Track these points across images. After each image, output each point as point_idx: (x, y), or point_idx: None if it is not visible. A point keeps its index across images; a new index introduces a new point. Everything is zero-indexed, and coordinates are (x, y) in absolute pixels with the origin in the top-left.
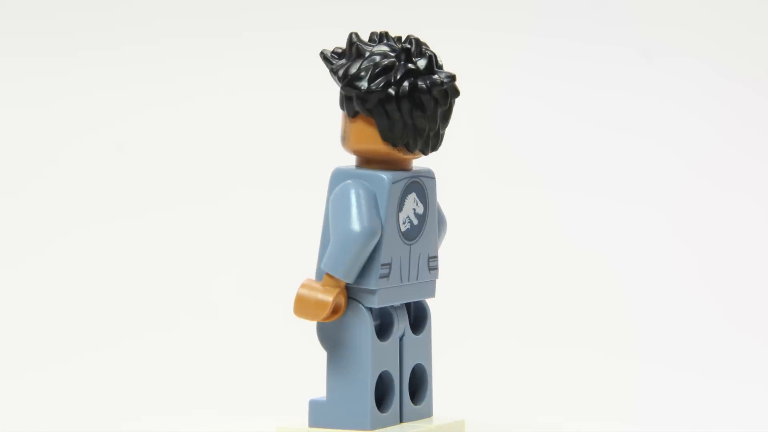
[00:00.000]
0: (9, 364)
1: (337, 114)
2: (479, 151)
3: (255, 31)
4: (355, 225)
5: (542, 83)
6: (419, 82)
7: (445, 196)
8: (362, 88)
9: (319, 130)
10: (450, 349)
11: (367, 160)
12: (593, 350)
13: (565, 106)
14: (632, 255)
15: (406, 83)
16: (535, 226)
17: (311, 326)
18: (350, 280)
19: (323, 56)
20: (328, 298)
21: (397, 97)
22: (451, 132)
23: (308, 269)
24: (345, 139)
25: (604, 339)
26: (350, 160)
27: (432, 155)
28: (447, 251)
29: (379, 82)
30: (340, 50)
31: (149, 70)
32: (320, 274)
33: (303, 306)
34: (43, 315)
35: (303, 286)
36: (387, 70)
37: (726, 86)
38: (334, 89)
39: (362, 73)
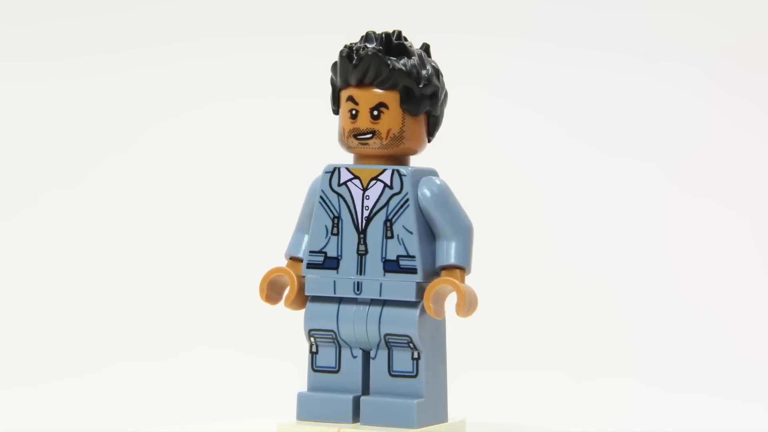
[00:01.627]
0: None
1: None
2: (469, 157)
3: (254, 36)
4: (469, 219)
5: (533, 90)
6: None
7: None
8: (440, 86)
9: (315, 134)
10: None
11: (393, 158)
12: (586, 344)
13: (557, 112)
14: (626, 266)
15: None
16: (526, 235)
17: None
18: None
19: (379, 56)
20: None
21: (447, 94)
22: (444, 137)
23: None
24: (397, 138)
25: (598, 331)
26: (327, 160)
27: (429, 158)
28: None
29: (441, 79)
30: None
31: (147, 74)
32: (431, 271)
33: (472, 302)
34: (40, 318)
35: (457, 284)
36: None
37: (725, 93)
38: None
39: (432, 71)
